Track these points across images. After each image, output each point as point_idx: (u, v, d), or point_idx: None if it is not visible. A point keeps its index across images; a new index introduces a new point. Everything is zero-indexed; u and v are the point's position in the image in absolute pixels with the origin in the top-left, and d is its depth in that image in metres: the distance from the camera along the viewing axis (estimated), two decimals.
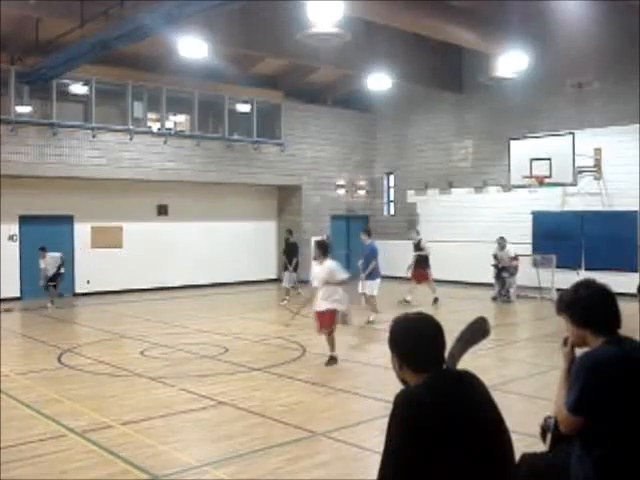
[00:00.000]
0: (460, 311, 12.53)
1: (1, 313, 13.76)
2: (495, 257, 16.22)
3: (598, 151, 16.49)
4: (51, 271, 15.10)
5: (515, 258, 15.97)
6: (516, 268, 15.98)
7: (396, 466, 2.31)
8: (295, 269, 16.04)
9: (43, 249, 15.06)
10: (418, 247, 15.73)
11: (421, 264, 15.47)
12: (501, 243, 16.13)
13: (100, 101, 16.90)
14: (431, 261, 15.68)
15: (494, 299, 15.91)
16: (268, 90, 19.68)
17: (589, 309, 2.89)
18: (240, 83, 18.55)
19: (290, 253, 16.23)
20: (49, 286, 15.14)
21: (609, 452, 2.69)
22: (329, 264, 8.96)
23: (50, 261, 15.10)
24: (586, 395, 2.71)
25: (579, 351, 2.96)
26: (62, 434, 6.06)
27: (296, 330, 11.68)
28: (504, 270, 15.91)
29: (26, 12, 13.00)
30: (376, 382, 7.86)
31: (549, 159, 15.82)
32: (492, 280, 16.36)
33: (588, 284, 2.97)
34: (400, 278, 20.36)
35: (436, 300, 15.08)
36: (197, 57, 13.74)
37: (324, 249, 9.10)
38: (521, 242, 16.97)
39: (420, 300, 14.95)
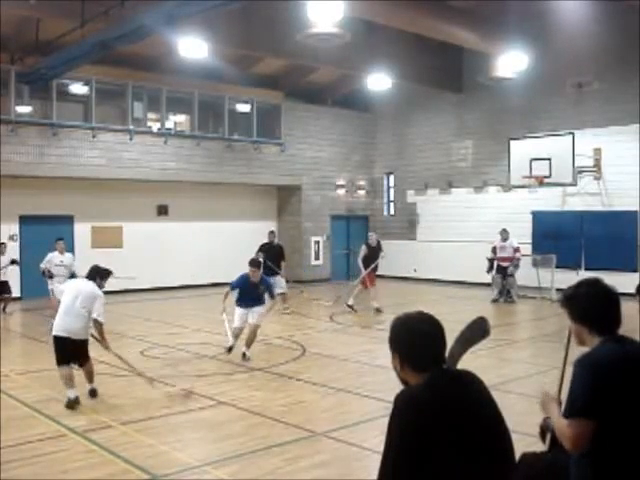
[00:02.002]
0: (460, 311, 12.53)
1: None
2: (494, 249, 15.95)
3: (598, 151, 16.49)
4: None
5: (518, 249, 15.84)
6: (519, 260, 15.84)
7: (396, 466, 2.31)
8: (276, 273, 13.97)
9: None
10: (378, 249, 14.22)
11: (375, 268, 14.16)
12: (503, 235, 15.85)
13: (100, 101, 16.91)
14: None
15: (494, 301, 15.64)
16: (268, 90, 19.68)
17: (586, 307, 2.90)
18: (240, 83, 18.54)
19: (279, 256, 14.34)
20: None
21: (608, 452, 2.68)
22: None
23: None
24: (589, 396, 2.71)
25: (577, 352, 2.95)
26: (62, 434, 6.06)
27: (296, 330, 11.69)
28: (503, 269, 15.65)
29: (26, 12, 13.00)
30: (376, 382, 7.86)
31: (549, 159, 15.82)
32: (489, 280, 16.18)
33: (590, 282, 2.99)
34: (402, 278, 20.43)
35: (379, 310, 13.74)
36: (197, 57, 13.74)
37: None
38: (521, 242, 16.94)
39: (415, 300, 14.95)
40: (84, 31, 12.02)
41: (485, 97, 18.89)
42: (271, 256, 14.11)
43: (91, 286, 7.24)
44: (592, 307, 2.89)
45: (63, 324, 7.04)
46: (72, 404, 6.89)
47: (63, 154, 16.08)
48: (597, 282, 2.98)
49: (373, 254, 14.10)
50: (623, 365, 2.74)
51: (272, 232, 15.29)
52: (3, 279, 13.73)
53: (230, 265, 19.13)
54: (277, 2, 14.21)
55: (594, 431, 2.67)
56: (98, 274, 7.37)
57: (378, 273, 22.08)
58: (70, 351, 7.09)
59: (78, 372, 7.35)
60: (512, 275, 15.73)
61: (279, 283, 13.86)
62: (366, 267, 13.91)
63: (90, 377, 7.40)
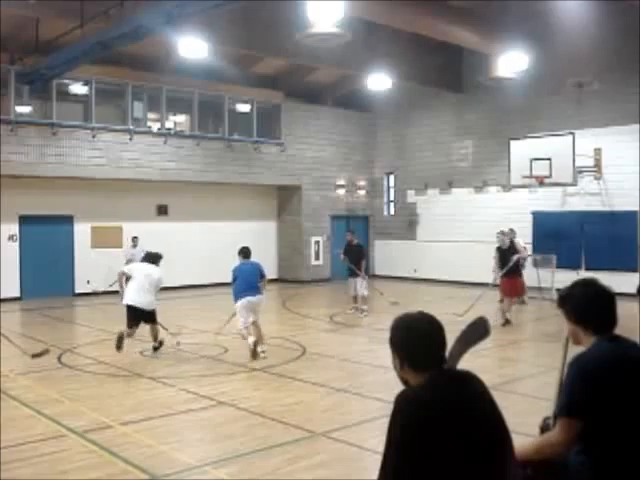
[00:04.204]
0: (460, 311, 12.51)
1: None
2: (499, 249, 15.79)
3: (598, 151, 16.49)
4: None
5: (524, 248, 15.72)
6: (525, 259, 15.69)
7: (397, 466, 2.31)
8: (366, 273, 13.83)
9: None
10: (511, 251, 12.57)
11: (516, 271, 12.58)
12: (510, 234, 15.67)
13: (100, 101, 16.90)
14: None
15: (502, 301, 15.55)
16: (268, 90, 19.67)
17: (581, 307, 2.91)
18: (240, 83, 18.54)
19: (358, 256, 13.68)
20: None
21: (604, 448, 2.69)
22: None
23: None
24: (578, 396, 2.72)
25: (577, 352, 2.96)
26: (62, 434, 6.06)
27: (296, 330, 11.69)
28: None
29: (26, 12, 12.99)
30: (376, 382, 7.86)
31: (549, 159, 15.81)
32: (496, 281, 16.08)
33: (586, 282, 3.00)
34: (402, 278, 20.42)
35: (507, 322, 12.05)
36: (197, 57, 13.73)
37: None
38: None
39: (415, 300, 14.91)
40: (84, 31, 12.01)
41: (485, 97, 18.89)
42: (351, 257, 13.72)
43: (157, 270, 9.67)
44: (587, 307, 2.90)
45: (137, 298, 9.32)
46: (120, 341, 9.32)
47: (63, 154, 16.08)
48: (592, 282, 2.98)
49: (506, 258, 12.43)
50: (616, 364, 2.75)
51: (350, 231, 14.65)
52: None
53: (230, 265, 19.20)
54: (277, 2, 14.20)
55: (587, 429, 2.69)
56: (157, 258, 9.84)
57: (378, 273, 22.04)
58: (140, 317, 9.42)
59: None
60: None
61: (359, 285, 13.48)
62: (501, 274, 12.39)
63: (155, 337, 9.67)
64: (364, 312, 13.38)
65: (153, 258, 9.81)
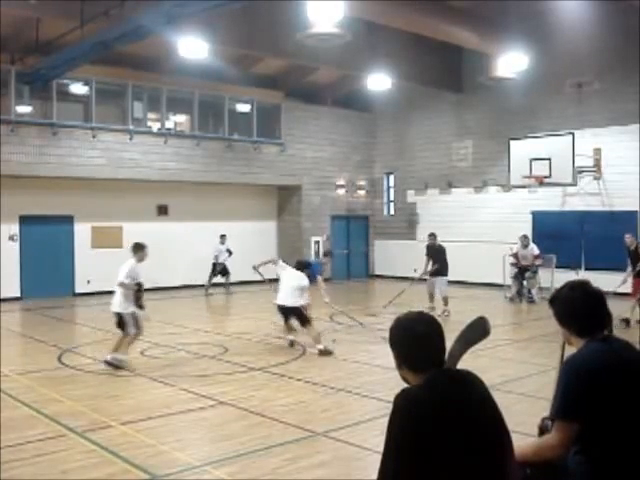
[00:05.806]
0: (461, 311, 12.52)
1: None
2: (515, 256, 15.86)
3: (598, 151, 16.48)
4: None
5: (538, 256, 15.82)
6: (537, 266, 15.76)
7: (396, 466, 2.31)
8: (437, 274, 13.76)
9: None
10: (638, 253, 12.55)
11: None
12: (524, 241, 15.69)
13: (100, 101, 16.90)
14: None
15: (511, 299, 15.69)
16: (268, 90, 19.67)
17: (567, 309, 2.92)
18: (240, 83, 18.54)
19: (437, 257, 13.89)
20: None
21: (604, 451, 2.69)
22: None
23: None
24: (571, 398, 2.72)
25: (569, 353, 2.96)
26: (62, 434, 6.06)
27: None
28: (525, 270, 15.61)
29: (26, 12, 13.00)
30: (376, 382, 7.86)
31: (549, 159, 15.81)
32: (509, 281, 16.07)
33: (573, 285, 2.99)
34: (402, 278, 20.38)
35: (628, 322, 11.53)
36: (197, 57, 13.73)
37: None
38: None
39: (415, 300, 14.90)
40: (84, 31, 12.01)
41: (485, 97, 18.89)
42: (433, 258, 14.02)
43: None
44: (573, 310, 2.90)
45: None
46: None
47: (63, 154, 16.08)
48: (580, 285, 2.96)
49: (634, 259, 12.58)
50: (606, 365, 2.75)
51: (431, 234, 14.69)
52: (221, 262, 17.96)
53: (230, 265, 19.28)
54: (277, 2, 14.21)
55: (583, 429, 2.69)
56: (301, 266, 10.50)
57: (377, 273, 22.01)
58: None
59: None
60: (533, 277, 15.63)
61: (436, 285, 13.75)
62: (635, 274, 12.43)
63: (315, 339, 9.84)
64: (445, 312, 13.04)
65: (299, 265, 10.62)
